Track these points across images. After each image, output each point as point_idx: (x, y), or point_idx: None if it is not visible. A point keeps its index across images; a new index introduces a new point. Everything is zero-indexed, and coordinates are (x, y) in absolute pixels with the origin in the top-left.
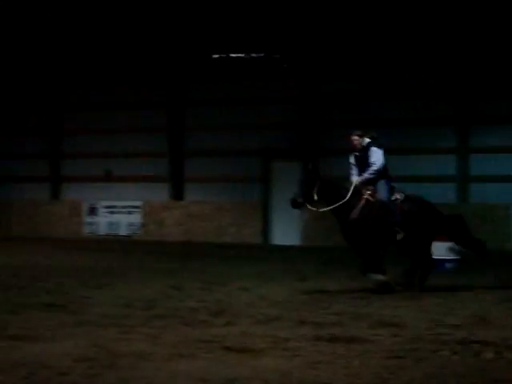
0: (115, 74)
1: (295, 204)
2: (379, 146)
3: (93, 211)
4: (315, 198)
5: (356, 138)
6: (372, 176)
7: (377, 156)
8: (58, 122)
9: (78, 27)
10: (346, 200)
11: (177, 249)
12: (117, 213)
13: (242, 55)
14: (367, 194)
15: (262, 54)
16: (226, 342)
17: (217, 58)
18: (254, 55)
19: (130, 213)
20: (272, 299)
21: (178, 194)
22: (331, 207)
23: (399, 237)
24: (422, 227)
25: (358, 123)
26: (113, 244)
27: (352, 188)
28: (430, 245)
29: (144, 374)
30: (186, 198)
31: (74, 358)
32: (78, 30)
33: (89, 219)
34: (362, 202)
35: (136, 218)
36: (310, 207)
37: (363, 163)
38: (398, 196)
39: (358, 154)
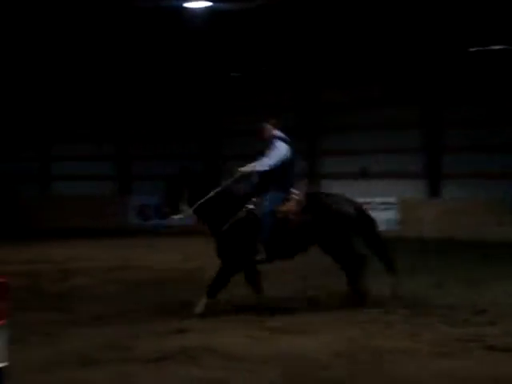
0: (365, 71)
1: (161, 215)
2: (289, 144)
3: None
4: (182, 208)
5: (266, 127)
6: (263, 169)
7: (279, 150)
8: (313, 122)
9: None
10: (209, 198)
11: (434, 246)
12: (372, 209)
13: (504, 47)
14: (250, 206)
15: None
16: (487, 342)
17: (474, 51)
18: None
19: (385, 209)
20: None
21: (434, 190)
22: (191, 209)
23: (259, 257)
24: (327, 238)
25: None
26: None
27: (230, 182)
28: (343, 248)
29: (407, 371)
30: (442, 194)
31: (334, 353)
32: (327, 31)
33: None
34: (242, 214)
35: (393, 215)
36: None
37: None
38: (293, 207)
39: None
